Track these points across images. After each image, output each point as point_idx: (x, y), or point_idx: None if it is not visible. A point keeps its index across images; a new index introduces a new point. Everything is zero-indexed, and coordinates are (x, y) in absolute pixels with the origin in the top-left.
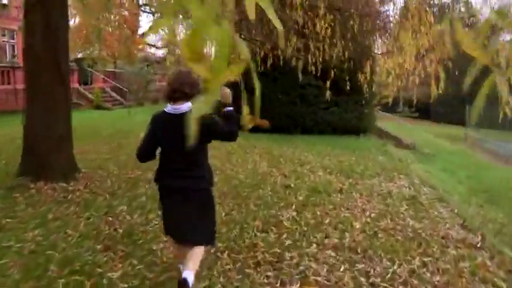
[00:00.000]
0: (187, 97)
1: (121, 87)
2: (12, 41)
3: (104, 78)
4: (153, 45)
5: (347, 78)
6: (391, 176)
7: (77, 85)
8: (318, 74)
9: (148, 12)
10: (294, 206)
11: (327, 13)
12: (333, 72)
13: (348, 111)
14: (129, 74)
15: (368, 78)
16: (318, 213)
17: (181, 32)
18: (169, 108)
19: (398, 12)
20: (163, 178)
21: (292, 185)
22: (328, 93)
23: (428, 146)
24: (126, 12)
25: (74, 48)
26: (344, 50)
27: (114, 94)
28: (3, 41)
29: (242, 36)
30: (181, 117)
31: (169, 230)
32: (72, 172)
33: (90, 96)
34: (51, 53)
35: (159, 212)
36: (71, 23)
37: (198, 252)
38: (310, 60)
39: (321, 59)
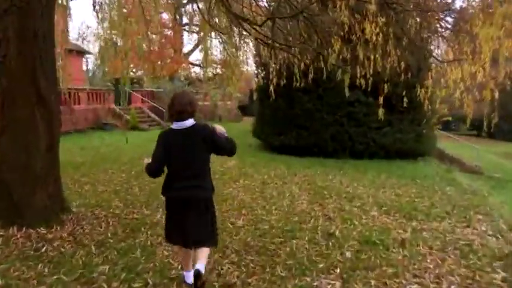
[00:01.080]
0: (190, 115)
1: (158, 107)
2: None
3: (142, 99)
4: (197, 64)
5: (404, 93)
6: (467, 217)
7: (112, 105)
8: (368, 89)
9: (192, 32)
10: (338, 270)
11: (378, 13)
12: (386, 87)
13: (403, 132)
14: (167, 93)
15: (429, 92)
16: (373, 282)
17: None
18: (175, 125)
19: (476, 3)
20: (171, 190)
21: (337, 233)
22: (380, 111)
23: (496, 168)
24: (168, 32)
25: (116, 69)
26: (400, 59)
27: (152, 114)
28: None
29: (276, 44)
30: (186, 131)
31: (178, 238)
32: (56, 214)
33: (126, 116)
34: (28, 69)
35: (164, 222)
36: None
37: (205, 251)
38: (358, 73)
39: (371, 71)
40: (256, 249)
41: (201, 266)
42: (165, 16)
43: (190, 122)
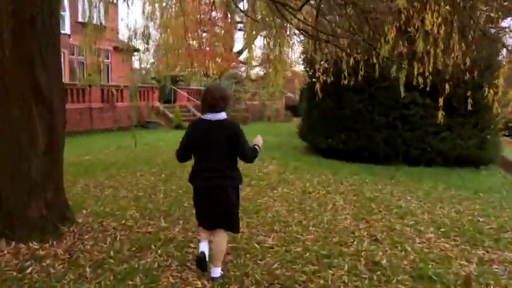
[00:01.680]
0: (221, 109)
1: None
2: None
3: (188, 97)
4: (246, 63)
5: (468, 94)
6: None
7: (157, 103)
8: (427, 89)
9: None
10: None
11: (441, 0)
12: (447, 87)
13: (464, 137)
14: None
15: (500, 93)
16: None
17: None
18: (208, 116)
19: None
20: (196, 179)
21: (384, 261)
22: (440, 114)
23: None
24: (219, 30)
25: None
26: (465, 54)
27: (197, 113)
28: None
29: (322, 35)
30: (215, 123)
31: (201, 220)
32: (54, 226)
33: (170, 115)
34: (24, 61)
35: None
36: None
37: (222, 237)
38: (416, 70)
39: (431, 68)
40: (283, 281)
41: (215, 271)
42: (217, 14)
43: (221, 115)
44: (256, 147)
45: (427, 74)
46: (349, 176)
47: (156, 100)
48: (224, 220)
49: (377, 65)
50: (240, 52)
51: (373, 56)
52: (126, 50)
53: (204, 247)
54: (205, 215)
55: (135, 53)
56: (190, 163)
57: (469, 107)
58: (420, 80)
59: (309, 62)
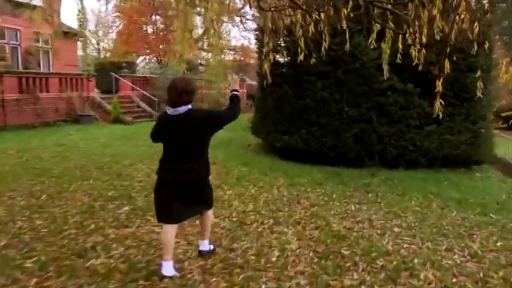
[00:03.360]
0: (185, 104)
1: (150, 95)
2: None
3: (132, 86)
4: (205, 49)
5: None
6: None
7: (93, 93)
8: (407, 71)
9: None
10: None
11: None
12: (446, 65)
13: (454, 132)
14: (163, 79)
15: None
16: None
17: None
18: (169, 111)
19: None
20: (165, 172)
21: None
22: (438, 104)
23: None
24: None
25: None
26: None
27: (142, 104)
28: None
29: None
30: (179, 118)
31: (173, 213)
32: None
33: (108, 107)
34: None
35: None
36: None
37: (210, 217)
38: (401, 41)
39: (424, 38)
40: None
41: (204, 244)
42: None
43: (183, 108)
44: (234, 93)
45: (417, 46)
46: (310, 188)
47: (92, 90)
48: (206, 199)
49: (347, 33)
50: (200, 38)
51: (343, 17)
52: (73, 35)
53: (169, 269)
54: (180, 206)
55: (81, 38)
56: None
57: (454, 95)
58: (399, 57)
59: (259, 38)
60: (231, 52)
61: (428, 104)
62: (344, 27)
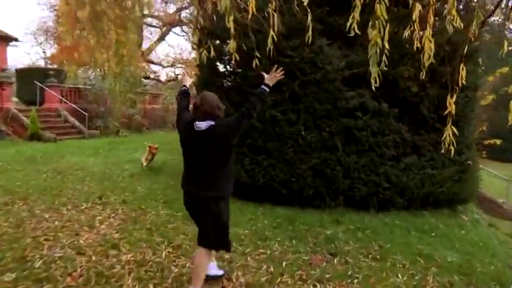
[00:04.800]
0: (214, 119)
1: (80, 109)
2: None
3: (60, 98)
4: (155, 62)
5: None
6: None
7: (9, 104)
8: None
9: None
10: None
11: None
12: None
13: (438, 165)
14: (97, 91)
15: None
16: None
17: None
18: (197, 124)
19: None
20: (186, 184)
21: None
22: (449, 132)
23: None
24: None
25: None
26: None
27: (71, 119)
28: None
29: None
30: (204, 133)
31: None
32: None
33: (26, 121)
34: None
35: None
36: None
37: (201, 254)
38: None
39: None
40: None
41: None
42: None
43: (206, 123)
44: (263, 88)
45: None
46: (252, 246)
47: (9, 100)
48: (206, 234)
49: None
50: (147, 51)
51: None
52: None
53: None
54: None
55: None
56: None
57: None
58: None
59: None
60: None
61: (407, 129)
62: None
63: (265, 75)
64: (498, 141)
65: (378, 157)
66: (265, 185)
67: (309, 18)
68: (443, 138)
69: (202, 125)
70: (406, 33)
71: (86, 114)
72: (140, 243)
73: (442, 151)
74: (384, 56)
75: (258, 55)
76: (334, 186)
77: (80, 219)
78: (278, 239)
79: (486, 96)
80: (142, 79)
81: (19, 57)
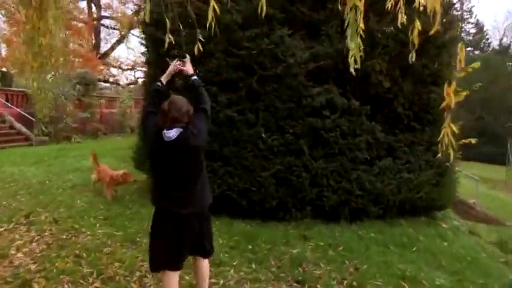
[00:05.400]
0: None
1: (26, 115)
2: None
3: (5, 103)
4: (115, 66)
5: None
6: None
7: None
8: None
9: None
10: None
11: None
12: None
13: (415, 168)
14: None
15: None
16: None
17: None
18: (167, 133)
19: None
20: (165, 201)
21: None
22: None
23: (500, 207)
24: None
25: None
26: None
27: (17, 125)
28: None
29: None
30: (175, 141)
31: (167, 259)
32: None
33: None
34: None
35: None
36: None
37: (206, 267)
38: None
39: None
40: None
41: None
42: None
43: (176, 131)
44: (194, 79)
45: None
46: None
47: None
48: (204, 244)
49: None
50: (106, 54)
51: None
52: None
53: None
54: (176, 246)
55: None
56: None
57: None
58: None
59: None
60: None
61: (381, 128)
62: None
63: (188, 68)
64: (473, 141)
65: (349, 161)
66: (221, 195)
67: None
68: (439, 138)
69: (170, 133)
70: (389, 3)
71: (33, 119)
72: (62, 277)
73: (439, 155)
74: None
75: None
76: (301, 195)
77: None
78: (235, 263)
79: (459, 92)
80: (101, 82)
81: None
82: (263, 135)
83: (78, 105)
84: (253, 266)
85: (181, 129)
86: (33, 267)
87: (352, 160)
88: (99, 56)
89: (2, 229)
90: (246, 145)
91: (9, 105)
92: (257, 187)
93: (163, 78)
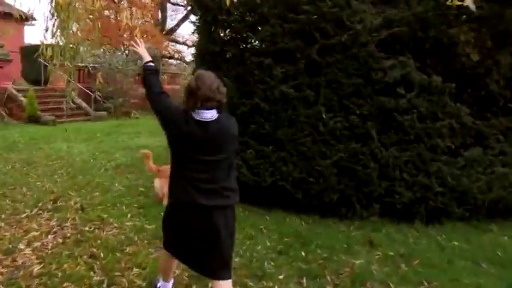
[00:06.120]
0: (217, 104)
1: (86, 89)
2: None
3: (68, 78)
4: (182, 43)
5: None
6: None
7: (7, 84)
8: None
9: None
10: None
11: None
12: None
13: (510, 160)
14: (106, 70)
15: None
16: None
17: None
18: (197, 115)
19: None
20: (182, 194)
21: None
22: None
23: None
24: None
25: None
26: None
27: (78, 100)
28: None
29: None
30: (212, 124)
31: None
32: None
33: (25, 101)
34: None
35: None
36: None
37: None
38: None
39: None
40: None
41: None
42: None
43: (214, 113)
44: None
45: None
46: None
47: (7, 79)
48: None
49: None
50: (172, 30)
51: None
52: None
53: None
54: (192, 249)
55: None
56: None
57: None
58: None
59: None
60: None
61: (468, 111)
62: None
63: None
64: None
65: (428, 150)
66: (274, 186)
67: None
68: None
69: (206, 114)
70: None
71: (92, 94)
72: (65, 286)
73: None
74: None
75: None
76: (367, 189)
77: (4, 236)
78: (281, 276)
79: None
80: (166, 59)
81: (38, 36)
82: (324, 116)
83: (139, 81)
84: (305, 281)
85: (215, 111)
86: (36, 269)
87: (431, 149)
88: (164, 32)
89: (24, 215)
90: (303, 127)
91: (71, 80)
92: (315, 177)
93: (149, 58)
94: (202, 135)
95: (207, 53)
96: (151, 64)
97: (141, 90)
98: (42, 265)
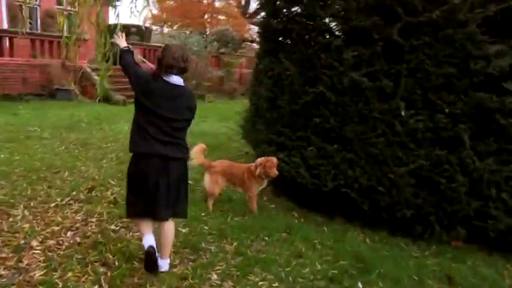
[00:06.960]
0: (181, 71)
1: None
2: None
3: (142, 58)
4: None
5: None
6: None
7: (83, 63)
8: None
9: None
10: None
11: None
12: None
13: None
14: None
15: None
16: None
17: None
18: (172, 78)
19: None
20: (142, 144)
21: None
22: None
23: None
24: None
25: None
26: None
27: None
28: None
29: None
30: (175, 88)
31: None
32: None
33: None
34: None
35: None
36: None
37: (171, 230)
38: None
39: None
40: None
41: (165, 264)
42: None
43: (180, 80)
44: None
45: None
46: None
47: (83, 58)
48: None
49: None
50: (256, 13)
51: None
52: None
53: (151, 240)
54: (155, 195)
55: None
56: None
57: None
58: None
59: None
60: None
61: None
62: None
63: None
64: None
65: None
66: (336, 191)
67: None
68: None
69: (172, 78)
70: None
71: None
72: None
73: None
74: None
75: None
76: (451, 207)
77: (22, 229)
78: None
79: None
80: (248, 42)
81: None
82: (403, 112)
83: (215, 63)
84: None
85: (180, 79)
86: (36, 275)
87: None
88: (247, 15)
89: (53, 204)
90: (376, 125)
91: (145, 60)
92: (387, 187)
93: (125, 44)
94: (168, 93)
95: (270, 31)
96: (125, 47)
97: (217, 73)
98: (45, 270)
